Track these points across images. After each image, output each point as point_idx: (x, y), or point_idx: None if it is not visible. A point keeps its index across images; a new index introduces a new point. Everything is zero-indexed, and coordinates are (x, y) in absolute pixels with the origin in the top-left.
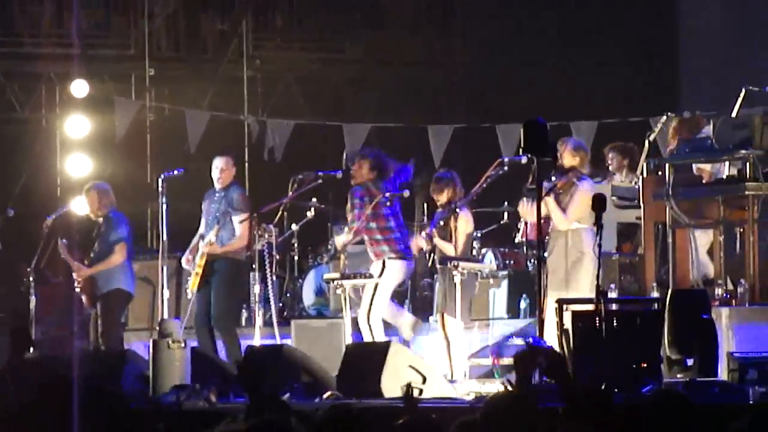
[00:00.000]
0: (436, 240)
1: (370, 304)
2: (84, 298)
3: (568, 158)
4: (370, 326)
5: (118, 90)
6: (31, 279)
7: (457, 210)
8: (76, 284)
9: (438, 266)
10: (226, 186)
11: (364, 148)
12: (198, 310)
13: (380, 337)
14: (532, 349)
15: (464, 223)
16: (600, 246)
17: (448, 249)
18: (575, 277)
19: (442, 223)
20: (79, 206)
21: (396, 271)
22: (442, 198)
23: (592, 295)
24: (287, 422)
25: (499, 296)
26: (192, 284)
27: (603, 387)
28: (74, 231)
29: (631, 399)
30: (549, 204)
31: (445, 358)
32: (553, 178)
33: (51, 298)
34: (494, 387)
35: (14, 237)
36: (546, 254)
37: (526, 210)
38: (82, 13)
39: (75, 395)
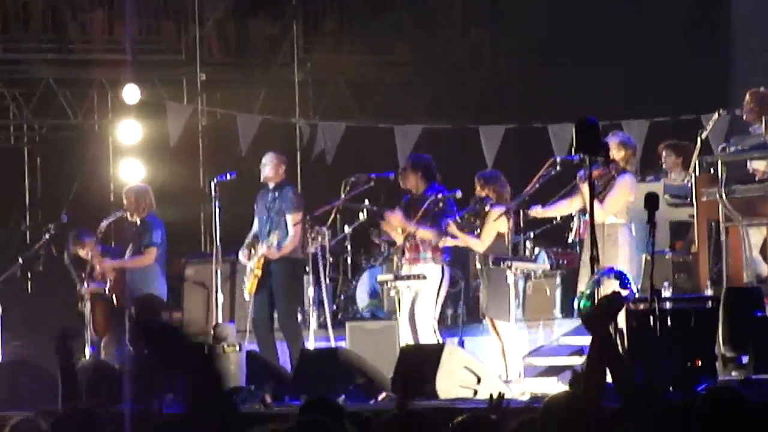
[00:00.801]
0: (453, 229)
1: (434, 309)
2: (114, 299)
3: (613, 151)
4: (435, 329)
5: (169, 95)
6: (86, 285)
7: (489, 206)
8: (107, 286)
9: (487, 266)
10: (279, 185)
11: (407, 159)
12: (258, 313)
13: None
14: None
15: (493, 217)
16: (653, 244)
17: (469, 242)
18: None
19: (467, 216)
20: None
21: (449, 275)
22: (480, 194)
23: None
24: (337, 423)
25: (553, 296)
26: (250, 286)
27: (657, 386)
28: (128, 236)
29: (686, 397)
30: (584, 192)
31: (500, 358)
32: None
33: (105, 304)
34: (550, 387)
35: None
36: (585, 251)
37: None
38: (133, 19)
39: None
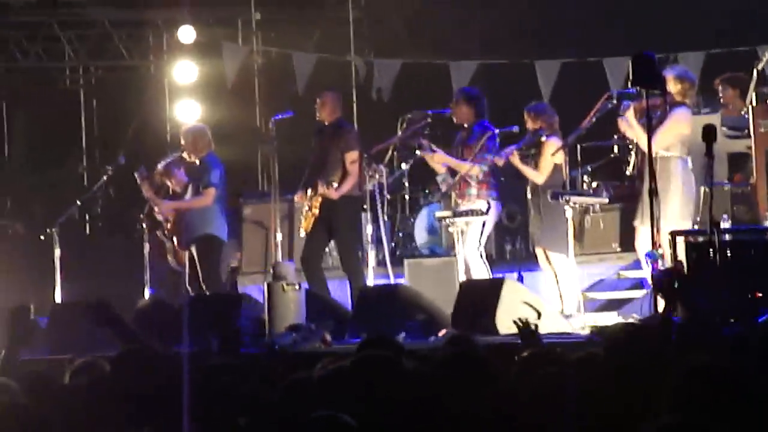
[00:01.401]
0: (516, 161)
1: (479, 241)
2: (175, 240)
3: (670, 85)
4: (483, 261)
5: (225, 35)
6: (143, 226)
7: (544, 137)
8: (165, 226)
9: (541, 197)
10: (336, 124)
11: (459, 92)
12: (310, 250)
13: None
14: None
15: (550, 149)
16: (711, 176)
17: (530, 174)
18: (661, 208)
19: (524, 148)
20: None
21: (496, 210)
22: (532, 128)
23: (680, 224)
24: (395, 358)
25: (612, 230)
26: (306, 224)
27: (717, 318)
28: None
29: (746, 329)
30: (631, 122)
31: (557, 291)
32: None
33: (163, 244)
34: (610, 320)
35: (126, 184)
36: (643, 184)
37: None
38: None
39: (185, 340)
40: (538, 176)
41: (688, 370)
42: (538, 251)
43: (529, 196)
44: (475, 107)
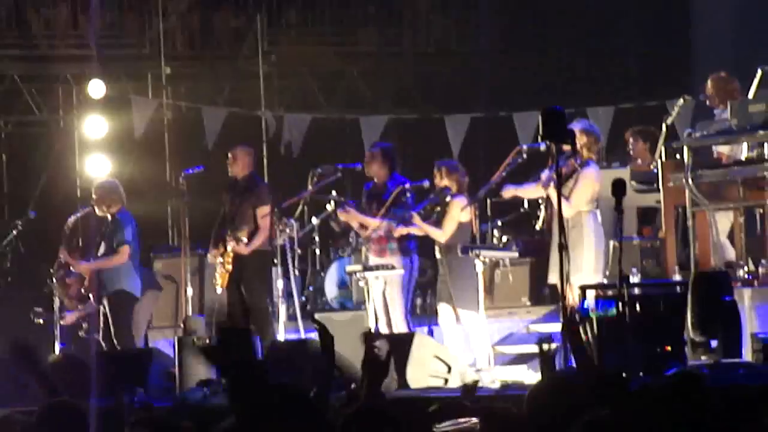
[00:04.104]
0: (417, 220)
1: (405, 297)
2: (91, 296)
3: (577, 139)
4: (407, 320)
5: (134, 89)
6: (54, 281)
7: (449, 196)
8: (83, 284)
9: (450, 256)
10: (247, 178)
11: (374, 144)
12: (233, 306)
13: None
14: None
15: (455, 209)
16: (621, 231)
17: (432, 233)
18: (574, 262)
19: (429, 207)
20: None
21: (417, 264)
22: (441, 185)
23: (594, 278)
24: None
25: (521, 284)
26: (221, 281)
27: (620, 371)
28: (95, 232)
29: (648, 382)
30: (552, 196)
31: (468, 346)
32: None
33: (74, 300)
34: (520, 374)
35: (36, 239)
36: (553, 238)
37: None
38: (97, 14)
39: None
40: (440, 235)
41: (584, 424)
42: (446, 307)
43: (438, 255)
44: (390, 162)
